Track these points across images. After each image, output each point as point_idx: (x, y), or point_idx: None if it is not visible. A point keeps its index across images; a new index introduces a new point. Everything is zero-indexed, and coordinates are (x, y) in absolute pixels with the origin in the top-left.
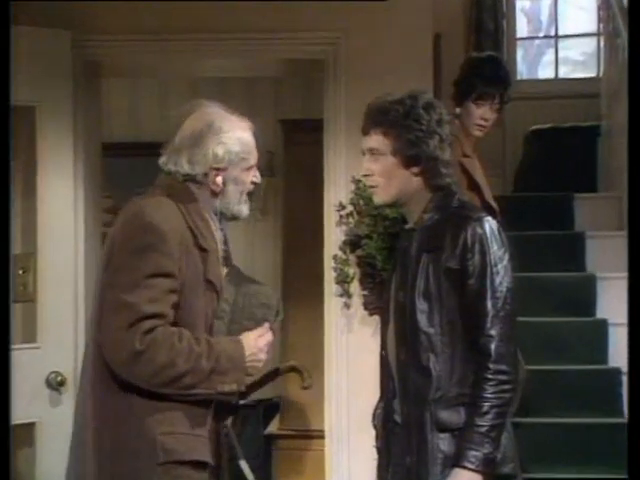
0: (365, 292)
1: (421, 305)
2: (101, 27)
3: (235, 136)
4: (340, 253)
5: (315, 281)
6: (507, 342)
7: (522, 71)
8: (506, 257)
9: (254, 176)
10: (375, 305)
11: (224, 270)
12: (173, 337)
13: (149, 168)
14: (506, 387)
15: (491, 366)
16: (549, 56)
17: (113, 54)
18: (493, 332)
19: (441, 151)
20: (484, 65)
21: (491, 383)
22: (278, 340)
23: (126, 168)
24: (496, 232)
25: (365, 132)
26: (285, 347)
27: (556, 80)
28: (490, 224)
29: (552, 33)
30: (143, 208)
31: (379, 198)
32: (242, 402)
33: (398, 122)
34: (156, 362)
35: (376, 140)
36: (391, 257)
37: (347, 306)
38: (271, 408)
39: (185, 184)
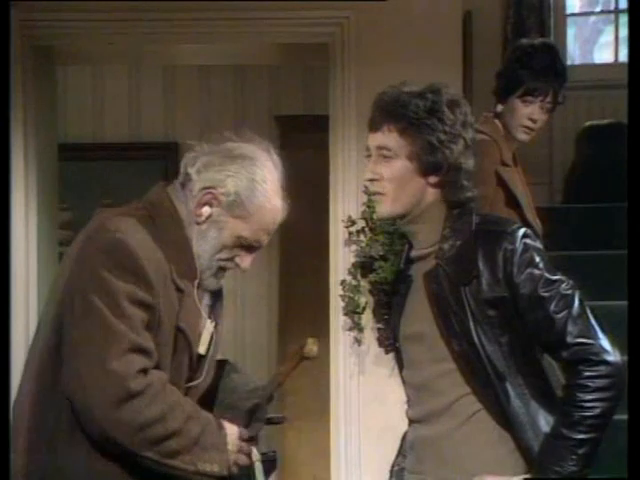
0: (380, 325)
1: (490, 347)
2: (54, 4)
3: (266, 188)
4: (349, 278)
5: (319, 312)
6: (588, 330)
7: (574, 54)
8: (554, 270)
9: (238, 256)
10: (392, 340)
11: (210, 324)
12: (166, 385)
13: (115, 174)
14: (607, 382)
15: (585, 370)
16: (607, 36)
17: (69, 37)
18: (571, 334)
19: (465, 159)
20: (536, 54)
21: (588, 389)
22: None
23: (87, 174)
24: (538, 243)
25: (374, 127)
26: (281, 393)
27: (616, 65)
28: (526, 232)
29: (611, 7)
30: (107, 223)
31: (384, 209)
32: None
33: (419, 119)
34: (148, 413)
35: (389, 138)
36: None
37: (358, 342)
38: (266, 465)
39: (174, 206)
